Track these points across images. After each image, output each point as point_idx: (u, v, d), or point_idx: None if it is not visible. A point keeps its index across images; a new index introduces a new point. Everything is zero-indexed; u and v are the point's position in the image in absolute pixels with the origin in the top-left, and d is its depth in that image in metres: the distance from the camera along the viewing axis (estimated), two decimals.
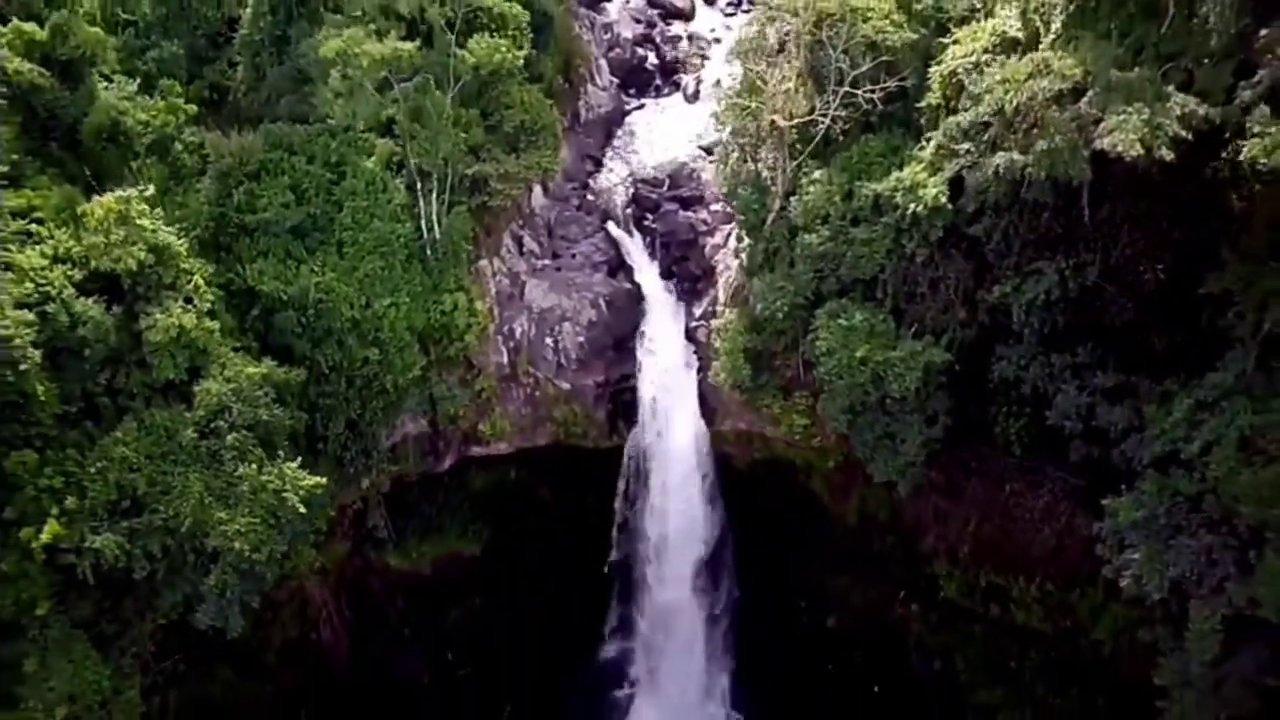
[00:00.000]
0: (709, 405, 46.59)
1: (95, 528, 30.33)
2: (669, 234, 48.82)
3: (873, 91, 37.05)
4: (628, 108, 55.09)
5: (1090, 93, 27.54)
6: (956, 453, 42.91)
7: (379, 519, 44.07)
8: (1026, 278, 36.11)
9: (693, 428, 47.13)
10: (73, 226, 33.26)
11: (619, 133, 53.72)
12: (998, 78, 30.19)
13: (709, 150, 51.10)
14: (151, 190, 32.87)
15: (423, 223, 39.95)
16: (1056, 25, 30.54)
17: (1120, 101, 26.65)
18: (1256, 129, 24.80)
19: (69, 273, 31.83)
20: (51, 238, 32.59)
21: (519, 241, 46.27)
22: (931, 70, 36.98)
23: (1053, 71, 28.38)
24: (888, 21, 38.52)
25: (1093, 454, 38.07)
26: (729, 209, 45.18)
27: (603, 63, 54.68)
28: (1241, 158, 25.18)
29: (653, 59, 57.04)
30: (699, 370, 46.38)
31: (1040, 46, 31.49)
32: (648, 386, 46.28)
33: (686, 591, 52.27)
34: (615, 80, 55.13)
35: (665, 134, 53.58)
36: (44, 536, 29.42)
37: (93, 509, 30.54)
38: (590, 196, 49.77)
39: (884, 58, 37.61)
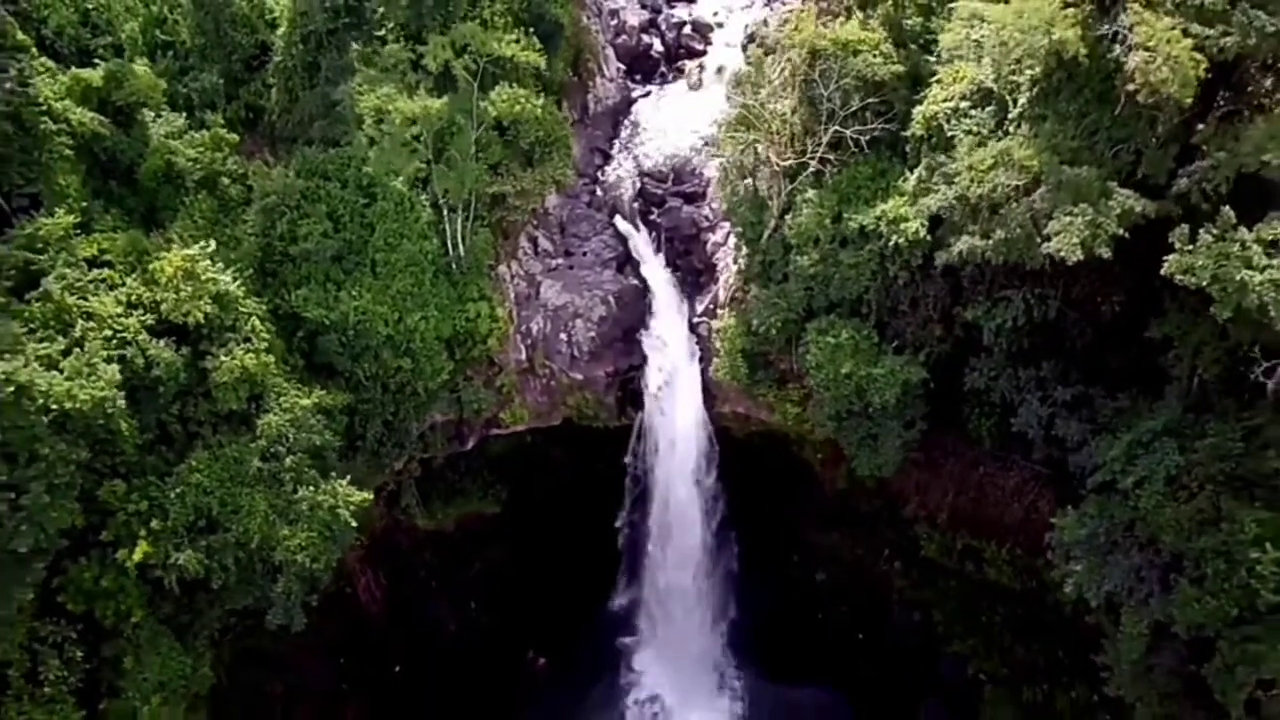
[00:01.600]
0: (710, 392, 51.10)
1: (178, 545, 35.45)
2: (673, 229, 52.57)
3: (861, 133, 40.48)
4: (634, 95, 57.77)
5: (1043, 189, 31.41)
6: (935, 439, 47.49)
7: (411, 499, 49.13)
8: (996, 304, 40.25)
9: (695, 410, 51.76)
10: (140, 270, 37.41)
11: (625, 123, 56.68)
12: (965, 164, 33.87)
13: (711, 143, 53.99)
14: (213, 246, 36.78)
15: (448, 241, 43.89)
16: (1023, 100, 34.04)
17: (1069, 199, 30.59)
18: (1176, 244, 28.81)
19: (142, 318, 36.09)
20: (124, 284, 36.75)
21: (534, 242, 50.28)
22: (915, 111, 40.31)
23: (1013, 163, 32.12)
24: (877, 54, 41.58)
25: (1053, 454, 42.84)
26: None
27: (609, 51, 57.34)
28: (1163, 271, 29.24)
29: (658, 45, 59.64)
30: (701, 360, 50.63)
31: (1009, 114, 34.96)
32: (654, 375, 50.74)
33: (688, 548, 57.48)
34: (621, 68, 57.82)
35: (670, 124, 56.36)
36: (136, 556, 34.60)
37: (174, 529, 35.62)
38: (599, 192, 53.31)
39: (872, 99, 40.80)
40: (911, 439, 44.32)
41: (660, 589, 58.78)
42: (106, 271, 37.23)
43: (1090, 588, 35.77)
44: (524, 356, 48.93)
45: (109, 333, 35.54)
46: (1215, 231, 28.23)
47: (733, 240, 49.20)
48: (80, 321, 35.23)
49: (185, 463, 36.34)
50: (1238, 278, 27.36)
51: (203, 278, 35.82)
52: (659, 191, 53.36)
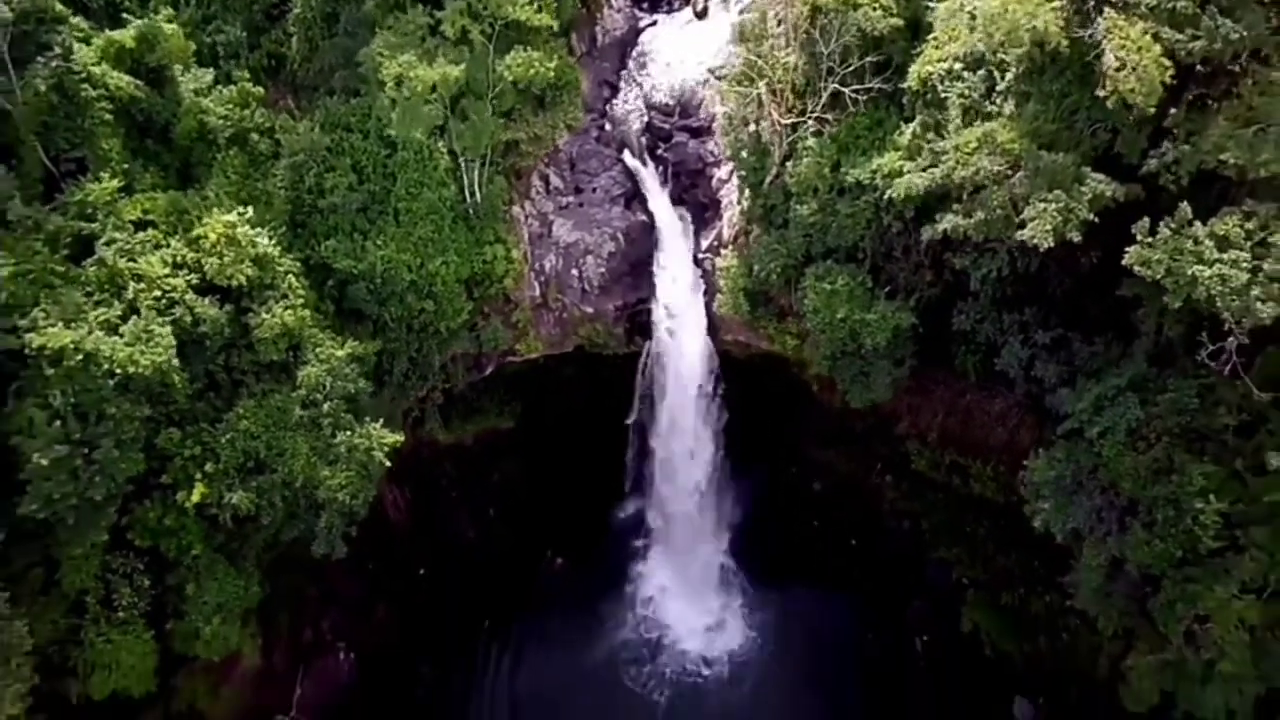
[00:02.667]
0: (714, 322, 54.55)
1: (230, 486, 39.58)
2: (679, 163, 55.16)
3: (859, 91, 42.93)
4: (641, 25, 59.40)
5: (1021, 173, 34.22)
6: (926, 371, 51.11)
7: (434, 423, 53.18)
8: (983, 254, 43.21)
9: (699, 338, 55.35)
10: (182, 230, 40.60)
11: (633, 54, 58.51)
12: (953, 144, 36.55)
13: (716, 73, 56.15)
14: (250, 211, 39.84)
15: (465, 188, 46.78)
16: (1010, 76, 36.53)
17: (1044, 185, 33.45)
18: (1137, 236, 31.85)
19: (187, 279, 39.46)
20: (168, 244, 39.98)
21: (546, 180, 53.01)
22: (911, 70, 42.63)
23: (996, 146, 34.83)
24: (877, 6, 43.63)
25: (1032, 390, 46.47)
26: None
27: None
28: (1124, 262, 32.33)
29: None
30: (705, 294, 53.96)
31: (998, 86, 37.48)
32: (661, 307, 54.10)
33: (692, 460, 61.74)
34: None
35: (676, 54, 58.14)
36: (194, 497, 38.77)
37: (226, 471, 39.71)
38: (608, 127, 55.65)
39: (871, 56, 43.07)
40: (901, 375, 47.96)
41: (666, 497, 63.23)
42: (151, 232, 40.24)
43: (1056, 524, 39.85)
44: (538, 293, 52.24)
45: (158, 293, 38.87)
46: (1173, 226, 31.21)
47: (736, 179, 51.69)
48: (132, 284, 38.52)
49: (233, 410, 40.14)
50: (1189, 272, 30.52)
51: (243, 243, 38.86)
52: (666, 126, 55.61)
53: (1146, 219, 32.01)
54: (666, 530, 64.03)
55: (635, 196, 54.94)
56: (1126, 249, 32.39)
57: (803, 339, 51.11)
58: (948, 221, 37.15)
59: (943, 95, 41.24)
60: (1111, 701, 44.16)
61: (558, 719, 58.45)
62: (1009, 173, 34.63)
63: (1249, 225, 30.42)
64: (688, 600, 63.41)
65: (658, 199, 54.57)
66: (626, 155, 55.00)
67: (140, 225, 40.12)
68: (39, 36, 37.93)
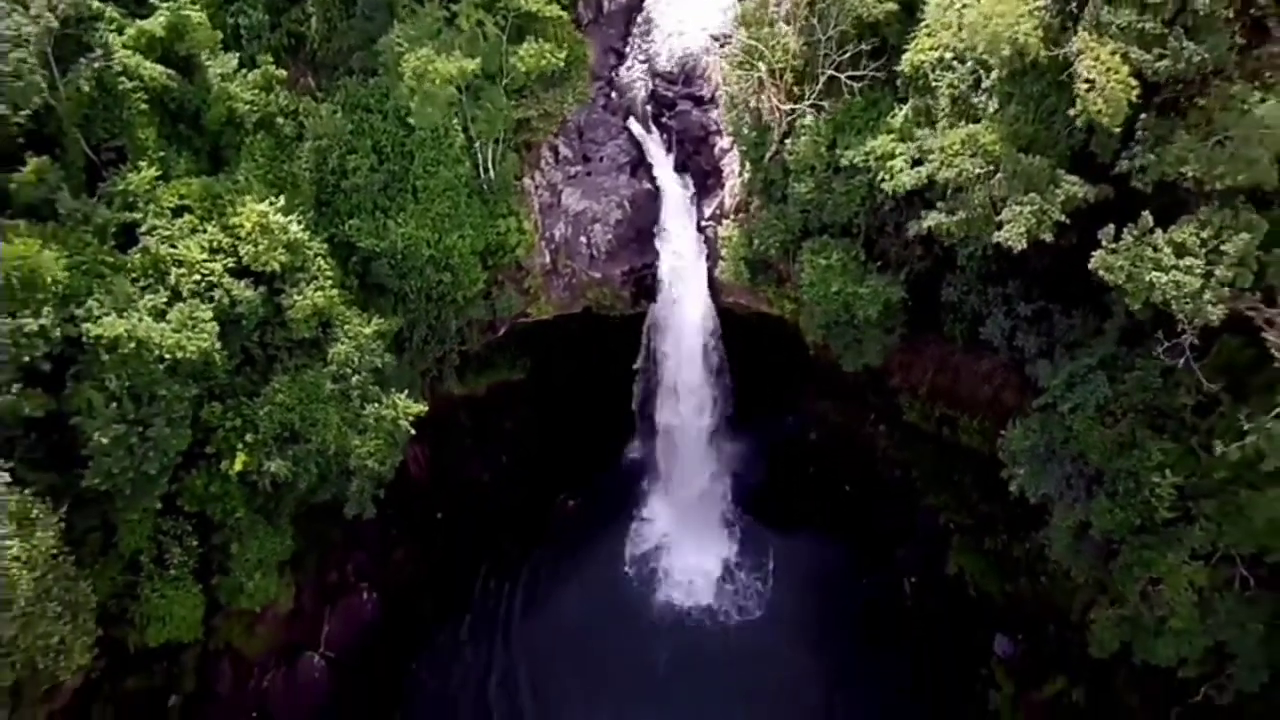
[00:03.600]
0: (715, 285, 57.86)
1: (268, 454, 43.39)
2: (683, 131, 57.85)
3: (854, 78, 45.67)
4: None
5: (1000, 175, 37.26)
6: (916, 335, 54.54)
7: (451, 383, 56.89)
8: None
9: (702, 300, 58.76)
10: (216, 215, 43.82)
11: (638, 19, 60.71)
12: (938, 144, 39.46)
13: (719, 39, 58.45)
14: (283, 202, 43.01)
15: (479, 165, 49.79)
16: (995, 75, 39.35)
17: (1021, 188, 36.52)
18: (1103, 242, 35.06)
19: (224, 263, 42.81)
20: (204, 230, 43.23)
21: (555, 151, 55.90)
22: (904, 57, 45.30)
23: (979, 148, 37.81)
24: None
25: (1015, 357, 49.99)
26: None
27: None
28: (1089, 266, 35.58)
29: None
30: (708, 259, 57.19)
31: (984, 83, 40.33)
32: (666, 271, 57.41)
33: (694, 410, 65.59)
34: None
35: (680, 19, 60.23)
36: (236, 466, 42.61)
37: (264, 441, 43.47)
38: (614, 95, 58.28)
39: (866, 44, 45.72)
40: (892, 343, 51.52)
41: (669, 445, 67.22)
42: (188, 217, 43.40)
43: (1031, 488, 43.70)
44: (548, 260, 55.50)
45: (198, 277, 42.18)
46: (1135, 233, 34.40)
47: (738, 151, 54.53)
48: (174, 269, 41.81)
49: (269, 385, 43.76)
50: (1147, 279, 33.79)
51: (276, 231, 42.11)
52: (670, 94, 58.17)
53: (1111, 226, 35.12)
54: (670, 476, 68.11)
55: (641, 164, 57.78)
56: (1100, 232, 35.40)
57: (800, 304, 54.27)
58: (932, 219, 40.33)
59: (934, 84, 43.95)
60: (1083, 640, 48.33)
61: (568, 652, 62.69)
62: (989, 174, 37.57)
63: (1204, 233, 33.56)
64: (691, 542, 67.73)
65: (663, 167, 57.44)
66: (632, 123, 57.70)
67: (178, 211, 43.09)
68: (80, 36, 40.51)
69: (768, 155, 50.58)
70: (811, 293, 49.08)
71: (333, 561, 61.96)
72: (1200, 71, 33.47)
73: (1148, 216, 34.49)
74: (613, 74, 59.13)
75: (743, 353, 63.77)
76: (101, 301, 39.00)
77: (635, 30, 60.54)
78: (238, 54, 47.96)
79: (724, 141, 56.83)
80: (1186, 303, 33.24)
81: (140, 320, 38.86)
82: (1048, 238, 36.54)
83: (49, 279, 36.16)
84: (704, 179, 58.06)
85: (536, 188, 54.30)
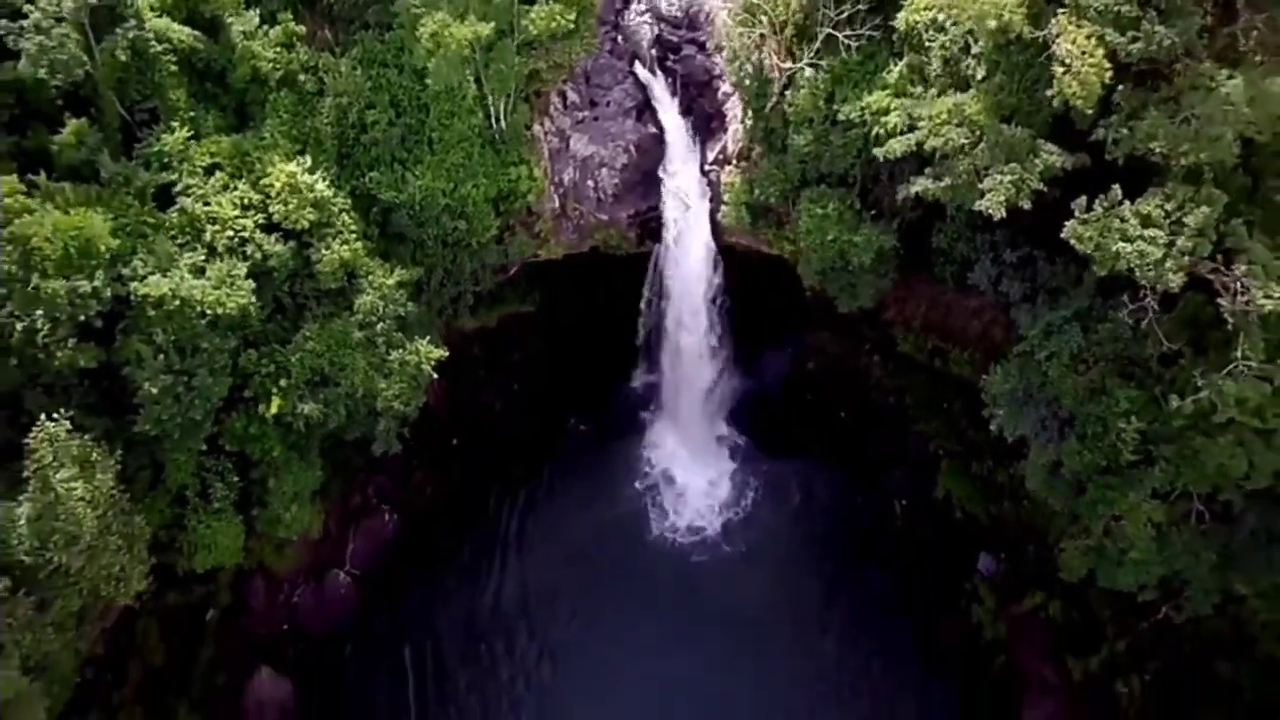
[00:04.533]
0: (717, 226, 60.90)
1: (301, 397, 47.23)
2: (687, 75, 60.27)
3: (852, 36, 48.16)
4: None
5: (983, 145, 40.19)
6: (909, 275, 57.84)
7: (466, 319, 60.44)
8: None
9: (704, 240, 61.89)
10: (246, 172, 46.90)
11: None
12: (927, 113, 42.25)
13: None
14: (309, 162, 46.03)
15: (492, 117, 52.58)
16: (983, 43, 41.98)
17: (1003, 158, 39.48)
18: (1075, 212, 38.19)
19: (255, 219, 46.04)
20: (235, 187, 46.36)
21: (563, 96, 58.45)
22: (899, 16, 47.68)
23: (965, 118, 40.65)
24: None
25: (1000, 301, 53.34)
26: None
27: None
28: (1062, 235, 38.73)
29: None
30: (710, 201, 60.15)
31: (973, 49, 42.97)
32: (670, 213, 60.45)
33: (696, 341, 69.19)
34: None
35: None
36: (273, 409, 46.51)
37: (297, 385, 47.25)
38: (620, 40, 60.51)
39: (864, 3, 48.11)
40: (885, 286, 54.91)
41: (673, 374, 71.03)
42: (219, 175, 46.49)
43: (1009, 428, 47.55)
44: (557, 204, 58.54)
45: (231, 233, 45.44)
46: (1105, 205, 37.52)
47: (740, 100, 57.08)
48: (209, 226, 45.06)
49: (300, 333, 47.40)
50: (1113, 249, 37.00)
51: (304, 190, 45.24)
52: (675, 39, 60.38)
53: (1084, 198, 38.19)
54: (674, 403, 72.04)
55: (646, 108, 60.31)
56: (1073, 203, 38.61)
57: (798, 246, 57.43)
58: (919, 185, 43.36)
59: (927, 44, 46.51)
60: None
61: (578, 566, 67.27)
62: (974, 143, 40.51)
63: (1169, 205, 36.68)
64: (693, 465, 72.02)
65: (667, 111, 60.00)
66: (638, 67, 60.07)
67: (209, 170, 46.16)
68: (113, 6, 43.06)
69: (768, 106, 53.18)
70: (809, 240, 52.23)
71: (355, 486, 66.35)
72: (1170, 53, 36.13)
73: (1117, 190, 37.56)
74: (619, 18, 61.11)
75: (743, 288, 66.90)
76: (145, 261, 42.34)
77: None
78: (257, 9, 50.13)
79: (726, 86, 59.16)
80: (1149, 270, 36.50)
81: (182, 279, 42.22)
82: (1026, 205, 39.53)
83: (102, 247, 39.38)
84: (707, 122, 60.60)
85: (546, 134, 57.00)
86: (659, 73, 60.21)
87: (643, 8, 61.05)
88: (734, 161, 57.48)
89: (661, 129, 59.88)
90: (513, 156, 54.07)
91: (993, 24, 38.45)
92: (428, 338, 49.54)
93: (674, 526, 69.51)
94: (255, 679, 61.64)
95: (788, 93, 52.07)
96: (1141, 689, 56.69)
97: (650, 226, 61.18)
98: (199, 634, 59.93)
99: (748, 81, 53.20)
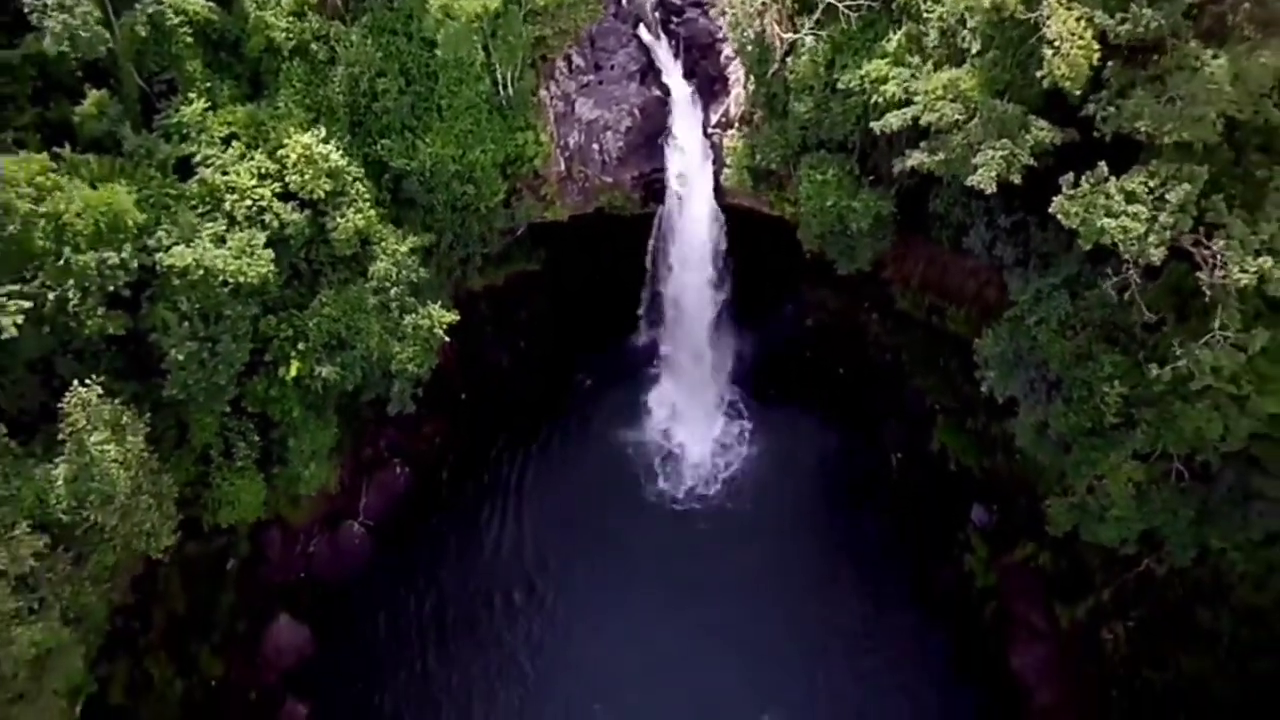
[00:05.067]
0: (720, 188, 62.71)
1: (319, 360, 49.49)
2: (690, 38, 61.75)
3: (851, 8, 49.64)
4: None
5: (976, 120, 41.95)
6: (907, 235, 59.77)
7: (474, 278, 62.50)
8: None
9: (707, 202, 63.72)
10: (262, 142, 48.71)
11: None
12: (923, 88, 43.92)
13: None
14: (324, 133, 47.81)
15: (499, 84, 54.21)
16: (977, 18, 43.53)
17: (995, 133, 41.27)
18: (1062, 187, 40.06)
19: (272, 188, 47.96)
20: (252, 157, 48.21)
21: (569, 60, 59.90)
22: None
23: (959, 94, 42.36)
24: None
25: (994, 264, 55.32)
26: None
27: None
28: (1050, 210, 40.62)
29: None
30: (714, 163, 61.87)
31: (969, 24, 44.53)
32: (673, 175, 62.23)
33: (698, 297, 71.26)
34: None
35: None
36: (292, 372, 48.79)
37: (314, 349, 49.49)
38: (625, 3, 61.73)
39: None
40: (882, 248, 56.87)
41: (676, 330, 73.24)
42: (236, 145, 48.32)
43: (1000, 389, 49.81)
44: (563, 168, 60.31)
45: (249, 202, 47.38)
46: (1091, 181, 39.40)
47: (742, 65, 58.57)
48: (228, 196, 46.99)
49: (316, 298, 49.54)
50: (1098, 224, 38.92)
51: (319, 161, 47.09)
52: (678, 1, 61.70)
53: (1071, 174, 40.07)
54: (677, 358, 74.26)
55: (650, 71, 61.81)
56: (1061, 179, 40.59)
57: (798, 207, 59.25)
58: (915, 159, 45.21)
59: (926, 15, 48.02)
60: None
61: (582, 516, 70.05)
62: (968, 119, 42.28)
63: (1152, 182, 38.56)
64: (695, 418, 74.44)
65: (672, 74, 61.52)
66: (642, 30, 61.46)
67: (227, 140, 47.98)
68: None
69: (770, 72, 54.78)
70: (809, 205, 54.17)
71: (367, 439, 68.83)
72: (1158, 34, 37.78)
73: (1103, 167, 39.40)
74: None
75: (744, 247, 68.75)
76: (169, 232, 44.39)
77: None
78: None
79: (729, 49, 60.54)
80: (1133, 244, 38.49)
81: (205, 249, 44.25)
82: (1017, 180, 41.41)
83: (130, 221, 41.37)
84: (710, 85, 62.13)
85: (552, 99, 58.57)
86: (662, 36, 61.61)
87: None
88: (736, 125, 59.09)
89: (665, 92, 61.37)
90: (519, 122, 55.70)
91: (988, 2, 39.88)
92: (439, 302, 51.49)
93: (677, 478, 72.10)
94: (274, 625, 64.66)
95: (789, 59, 53.57)
96: (1126, 635, 59.64)
97: (654, 188, 62.92)
98: (219, 582, 62.72)
99: (749, 48, 54.68)
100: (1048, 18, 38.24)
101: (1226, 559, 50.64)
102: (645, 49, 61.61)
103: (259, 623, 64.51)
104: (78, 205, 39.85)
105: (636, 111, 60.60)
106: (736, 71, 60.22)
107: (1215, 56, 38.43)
